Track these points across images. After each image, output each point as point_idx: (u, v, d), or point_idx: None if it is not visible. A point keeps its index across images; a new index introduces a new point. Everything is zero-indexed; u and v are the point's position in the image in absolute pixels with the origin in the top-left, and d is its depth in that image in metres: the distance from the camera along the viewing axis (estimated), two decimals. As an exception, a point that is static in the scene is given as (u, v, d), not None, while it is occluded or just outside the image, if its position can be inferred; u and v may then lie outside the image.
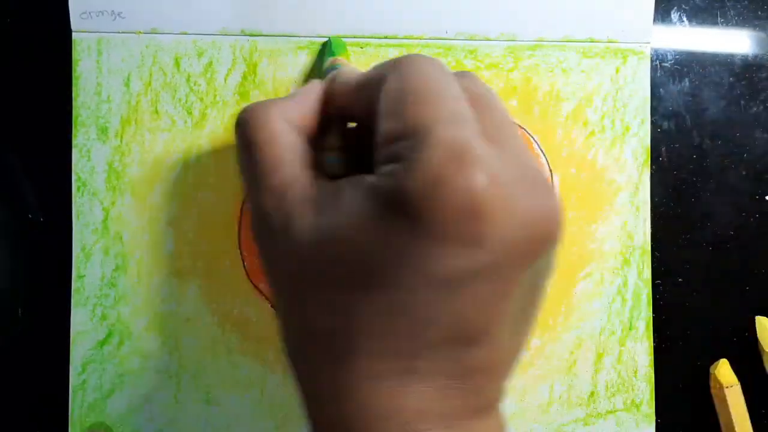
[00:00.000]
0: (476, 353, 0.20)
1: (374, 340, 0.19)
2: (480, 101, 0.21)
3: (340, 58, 0.31)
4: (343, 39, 0.34)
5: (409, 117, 0.19)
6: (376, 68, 0.23)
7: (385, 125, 0.20)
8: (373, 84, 0.22)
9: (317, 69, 0.34)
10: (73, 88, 0.33)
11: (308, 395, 0.21)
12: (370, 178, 0.20)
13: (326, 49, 0.34)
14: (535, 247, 0.20)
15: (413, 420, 0.19)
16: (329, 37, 0.34)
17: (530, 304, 0.22)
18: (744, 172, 0.37)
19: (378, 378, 0.20)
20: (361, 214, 0.19)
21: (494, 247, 0.18)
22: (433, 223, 0.18)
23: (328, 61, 0.32)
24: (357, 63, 0.34)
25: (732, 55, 0.37)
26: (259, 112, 0.23)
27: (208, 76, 0.34)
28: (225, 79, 0.34)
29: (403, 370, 0.19)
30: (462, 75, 0.23)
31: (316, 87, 0.25)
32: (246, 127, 0.23)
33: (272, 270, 0.22)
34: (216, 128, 0.34)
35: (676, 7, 0.37)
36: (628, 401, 0.36)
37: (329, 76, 0.25)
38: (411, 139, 0.19)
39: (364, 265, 0.19)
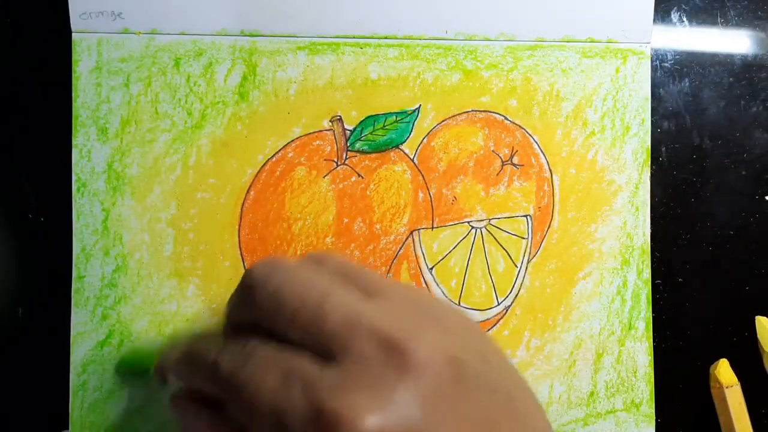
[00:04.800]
0: None
1: None
2: (349, 273, 0.24)
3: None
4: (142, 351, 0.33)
5: (325, 330, 0.22)
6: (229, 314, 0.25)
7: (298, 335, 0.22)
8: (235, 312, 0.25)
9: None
10: (73, 89, 0.33)
11: None
12: None
13: (129, 363, 0.33)
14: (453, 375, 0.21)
15: None
16: (122, 360, 0.33)
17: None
18: (744, 172, 0.37)
19: None
20: None
21: (421, 373, 0.20)
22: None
23: (156, 366, 0.30)
24: (356, 63, 0.35)
25: (732, 55, 0.37)
26: None
27: (208, 76, 0.34)
28: (225, 80, 0.34)
29: None
30: (321, 260, 0.25)
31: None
32: None
33: None
34: (216, 128, 0.34)
35: (676, 7, 0.37)
36: (628, 401, 0.36)
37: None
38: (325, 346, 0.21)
39: None
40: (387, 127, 0.35)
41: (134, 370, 0.33)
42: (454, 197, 0.35)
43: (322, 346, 0.21)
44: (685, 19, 0.37)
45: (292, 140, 0.34)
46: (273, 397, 0.21)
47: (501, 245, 0.36)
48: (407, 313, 0.22)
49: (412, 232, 0.35)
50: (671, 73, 0.37)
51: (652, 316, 0.36)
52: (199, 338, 0.28)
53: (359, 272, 0.25)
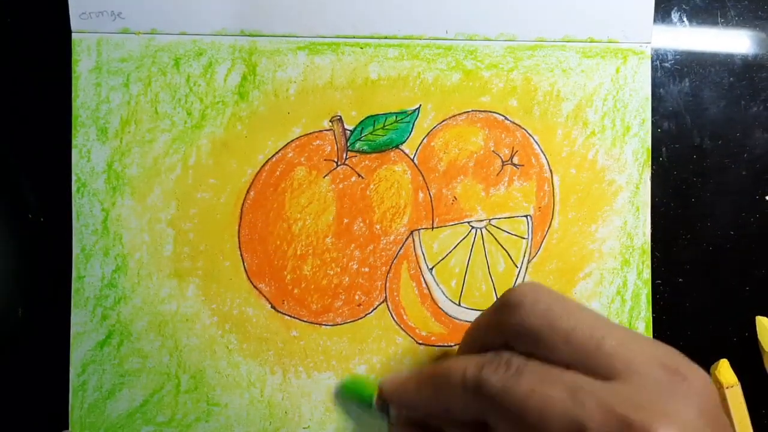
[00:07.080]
0: None
1: None
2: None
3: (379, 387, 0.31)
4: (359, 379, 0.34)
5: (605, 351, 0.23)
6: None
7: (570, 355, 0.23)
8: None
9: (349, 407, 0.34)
10: (73, 89, 0.33)
11: None
12: None
13: (350, 391, 0.34)
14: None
15: None
16: (344, 386, 0.34)
17: None
18: (744, 172, 0.37)
19: None
20: None
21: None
22: None
23: (375, 399, 0.31)
24: (356, 63, 0.34)
25: (732, 55, 0.37)
26: None
27: (208, 76, 0.34)
28: (224, 80, 0.34)
29: None
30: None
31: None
32: None
33: None
34: (215, 128, 0.34)
35: (676, 7, 0.37)
36: (628, 401, 0.36)
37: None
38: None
39: None
40: (387, 127, 0.35)
41: (355, 397, 0.33)
42: (454, 197, 0.35)
43: (601, 365, 0.22)
44: (685, 19, 0.37)
45: (292, 140, 0.34)
46: (565, 412, 0.21)
47: (501, 245, 0.36)
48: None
49: (412, 232, 0.35)
50: (671, 73, 0.37)
51: (652, 316, 0.36)
52: (429, 365, 0.28)
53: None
